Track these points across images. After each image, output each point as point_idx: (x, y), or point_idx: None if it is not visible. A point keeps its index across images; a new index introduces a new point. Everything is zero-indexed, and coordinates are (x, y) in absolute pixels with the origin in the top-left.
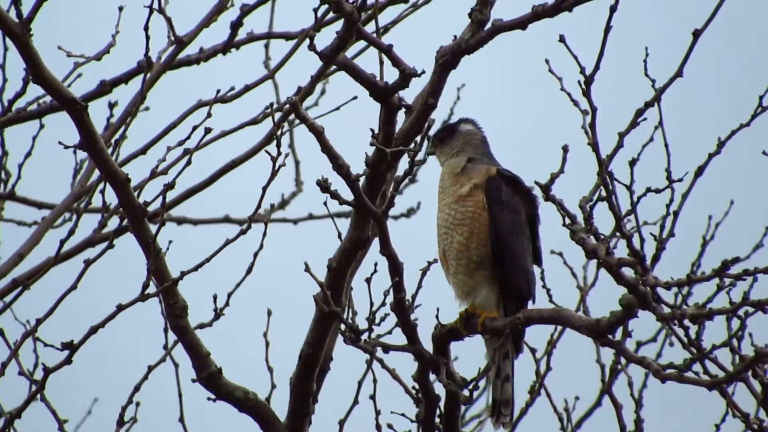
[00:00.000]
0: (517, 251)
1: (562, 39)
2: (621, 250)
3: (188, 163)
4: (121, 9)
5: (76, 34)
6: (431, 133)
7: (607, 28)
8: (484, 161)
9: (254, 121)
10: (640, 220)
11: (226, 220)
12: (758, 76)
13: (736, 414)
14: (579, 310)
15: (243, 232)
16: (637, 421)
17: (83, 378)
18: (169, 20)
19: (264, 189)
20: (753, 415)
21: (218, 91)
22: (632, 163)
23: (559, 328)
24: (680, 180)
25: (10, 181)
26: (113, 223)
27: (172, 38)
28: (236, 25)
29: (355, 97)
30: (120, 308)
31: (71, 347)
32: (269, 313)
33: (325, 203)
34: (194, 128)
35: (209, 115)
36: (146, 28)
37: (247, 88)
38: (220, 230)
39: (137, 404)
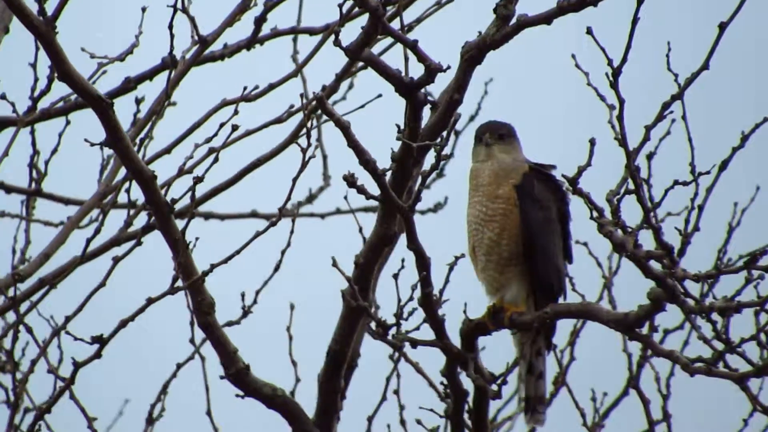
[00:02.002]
0: (549, 248)
1: (589, 31)
2: (647, 243)
3: (215, 160)
4: (144, 9)
5: (100, 36)
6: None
7: (635, 20)
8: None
9: (279, 120)
10: (664, 213)
11: (253, 215)
12: None
13: (757, 408)
14: (602, 300)
15: (273, 224)
16: (664, 413)
17: (111, 376)
18: (192, 20)
19: (294, 180)
20: None
21: (245, 89)
22: (650, 156)
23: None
24: (707, 173)
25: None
26: (139, 221)
27: (196, 38)
28: (260, 21)
29: (379, 95)
30: (150, 301)
31: (101, 341)
32: (292, 307)
33: (345, 197)
34: (221, 126)
35: (236, 112)
36: (170, 27)
37: (272, 87)
38: (247, 226)
39: (164, 394)
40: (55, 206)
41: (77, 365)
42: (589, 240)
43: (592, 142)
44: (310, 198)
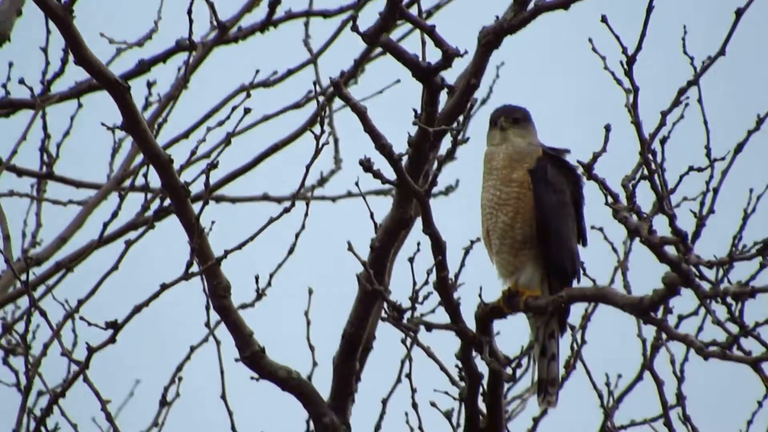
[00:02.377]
0: (563, 231)
1: (604, 19)
2: (662, 229)
3: (228, 143)
4: None
5: (118, 22)
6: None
7: (649, 8)
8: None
9: (297, 105)
10: (680, 198)
11: (265, 198)
12: None
13: None
14: (614, 283)
15: (287, 211)
16: (678, 396)
17: (126, 359)
18: (211, 5)
19: (308, 167)
20: None
21: (257, 72)
22: (663, 140)
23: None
24: (721, 159)
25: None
26: (156, 205)
27: (215, 23)
28: (274, 3)
29: (398, 81)
30: (164, 287)
31: (115, 326)
32: (310, 291)
33: (356, 183)
34: (233, 109)
35: (248, 95)
36: (189, 12)
37: (290, 72)
38: (259, 209)
39: (179, 379)
40: (66, 189)
41: (91, 350)
42: (604, 224)
43: (608, 128)
44: (322, 181)
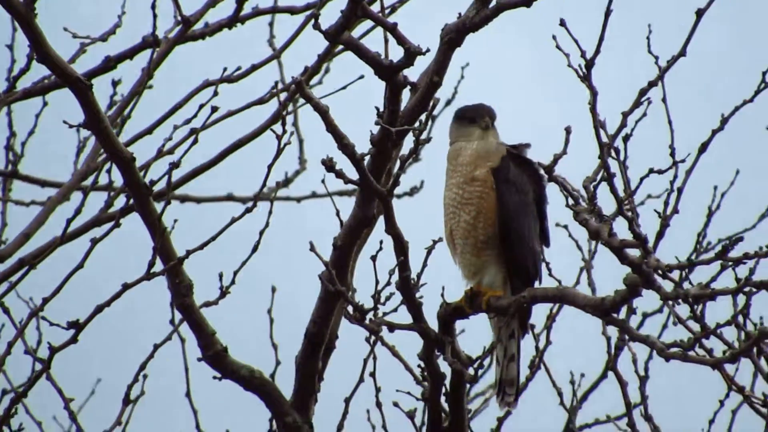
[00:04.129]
0: (524, 231)
1: (563, 23)
2: (624, 230)
3: (194, 142)
4: None
5: (82, 16)
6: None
7: (608, 12)
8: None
9: (261, 101)
10: (644, 195)
11: (230, 198)
12: (762, 51)
13: (733, 388)
14: (579, 283)
15: (248, 210)
16: (642, 396)
17: (89, 357)
18: (175, 0)
19: (269, 167)
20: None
21: (225, 70)
22: (626, 138)
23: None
24: (683, 161)
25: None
26: (120, 202)
27: (179, 18)
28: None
29: (362, 76)
30: (126, 287)
31: (77, 326)
32: (273, 290)
33: (323, 181)
34: (201, 107)
35: (216, 93)
36: (153, 6)
37: (254, 68)
38: (223, 209)
39: (145, 376)
40: (31, 188)
41: (53, 350)
42: (569, 223)
43: (568, 130)
44: (287, 182)
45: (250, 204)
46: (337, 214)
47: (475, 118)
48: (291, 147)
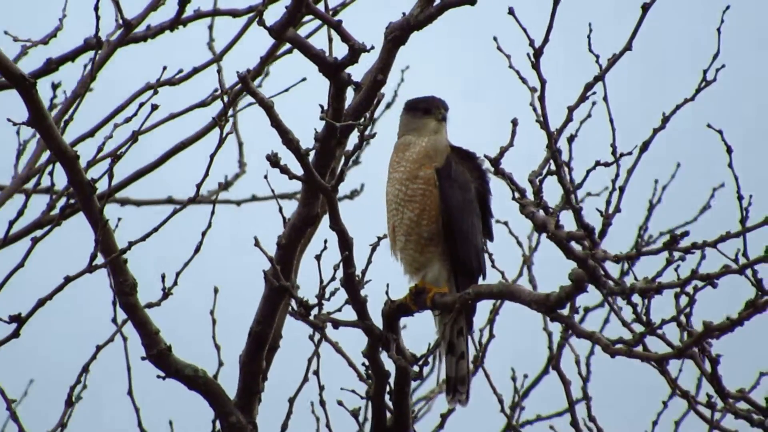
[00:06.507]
0: (467, 228)
1: (511, 11)
2: (568, 225)
3: (134, 140)
4: None
5: (23, 20)
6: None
7: (556, 1)
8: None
9: (203, 104)
10: (584, 193)
11: (170, 201)
12: (703, 50)
13: (676, 392)
14: (522, 277)
15: (191, 200)
16: (584, 396)
17: (30, 356)
18: (117, 3)
19: (212, 157)
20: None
21: (164, 68)
22: (570, 139)
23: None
24: (629, 153)
25: None
26: (62, 204)
27: (120, 21)
28: (184, 2)
29: (304, 79)
30: (68, 280)
31: (19, 320)
32: (216, 290)
33: (265, 177)
34: (141, 105)
35: (156, 92)
36: (96, 8)
37: (196, 71)
38: (164, 212)
39: (84, 382)
40: None
41: None
42: (510, 219)
43: (515, 122)
44: (226, 185)
45: (192, 206)
46: (280, 210)
47: (430, 109)
48: (231, 151)
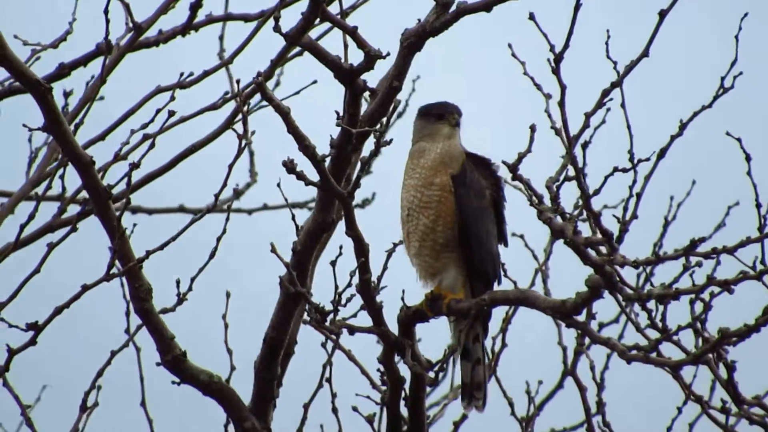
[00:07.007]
0: (483, 235)
1: (532, 17)
2: (585, 231)
3: (152, 146)
4: None
5: (33, 23)
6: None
7: (577, 5)
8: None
9: (214, 107)
10: (601, 204)
11: (181, 209)
12: (721, 57)
13: (690, 398)
14: (534, 284)
15: (209, 210)
16: (599, 403)
17: (46, 363)
18: (127, 6)
19: (230, 166)
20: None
21: (182, 75)
22: (585, 146)
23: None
24: (646, 159)
25: None
26: (73, 209)
27: (130, 24)
28: (195, 6)
29: (314, 81)
30: (85, 288)
31: (36, 328)
32: (228, 295)
33: (278, 185)
34: (158, 111)
35: (173, 98)
36: (106, 12)
37: (207, 74)
38: (175, 220)
39: (98, 388)
40: None
41: (12, 352)
42: (526, 228)
43: (533, 128)
44: (237, 194)
45: (204, 215)
46: (293, 218)
47: (443, 114)
48: (242, 161)
